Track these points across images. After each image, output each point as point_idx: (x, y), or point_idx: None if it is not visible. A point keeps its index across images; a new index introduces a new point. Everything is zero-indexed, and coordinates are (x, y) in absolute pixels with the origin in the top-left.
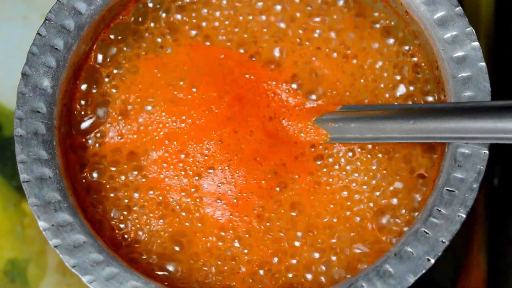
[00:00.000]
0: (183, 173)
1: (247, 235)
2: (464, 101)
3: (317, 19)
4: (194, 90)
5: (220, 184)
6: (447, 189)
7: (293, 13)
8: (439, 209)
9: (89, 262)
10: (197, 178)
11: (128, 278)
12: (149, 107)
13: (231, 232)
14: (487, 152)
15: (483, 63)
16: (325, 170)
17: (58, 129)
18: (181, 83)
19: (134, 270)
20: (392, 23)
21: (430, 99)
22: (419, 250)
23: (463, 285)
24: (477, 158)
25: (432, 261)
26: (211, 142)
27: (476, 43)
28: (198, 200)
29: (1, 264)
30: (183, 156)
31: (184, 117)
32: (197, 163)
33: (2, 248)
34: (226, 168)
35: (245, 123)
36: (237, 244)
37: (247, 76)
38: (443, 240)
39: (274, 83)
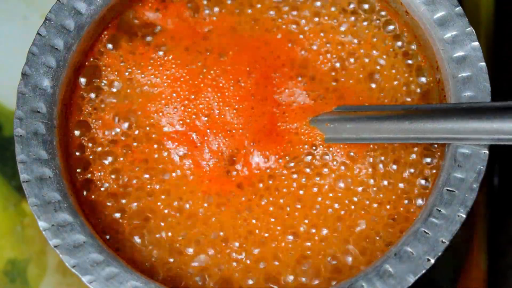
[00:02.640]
0: (181, 112)
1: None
2: (461, 102)
3: (344, 28)
4: (221, 57)
5: (199, 144)
6: (447, 189)
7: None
8: (439, 209)
9: (89, 262)
10: (189, 126)
11: (128, 278)
12: (161, 52)
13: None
14: (487, 152)
15: (483, 63)
16: (314, 168)
17: (58, 129)
18: (208, 53)
19: (135, 270)
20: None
21: (430, 99)
22: (419, 250)
23: (463, 285)
24: (477, 158)
25: (432, 261)
26: (226, 108)
27: (476, 43)
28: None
29: (1, 264)
30: (193, 96)
31: (205, 70)
32: (200, 112)
33: (2, 248)
34: (227, 132)
35: (263, 102)
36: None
37: (279, 57)
38: (443, 240)
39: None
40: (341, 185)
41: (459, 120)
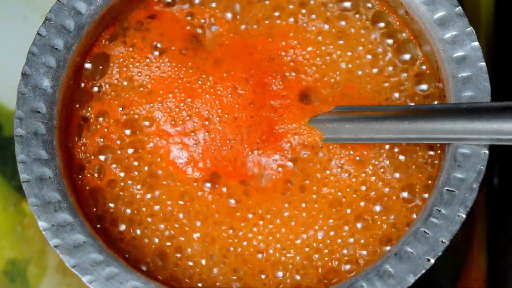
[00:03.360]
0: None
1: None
2: (461, 102)
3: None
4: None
5: (196, 146)
6: (447, 189)
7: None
8: (439, 209)
9: (89, 262)
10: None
11: (128, 278)
12: (157, 52)
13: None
14: (487, 152)
15: (483, 63)
16: (313, 168)
17: (58, 129)
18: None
19: (135, 271)
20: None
21: (430, 99)
22: (419, 250)
23: (463, 285)
24: (477, 158)
25: (432, 261)
26: (226, 116)
27: (476, 43)
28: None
29: (1, 264)
30: (189, 100)
31: (204, 76)
32: (196, 117)
33: (2, 248)
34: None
35: (261, 109)
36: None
37: (275, 63)
38: (443, 240)
39: (293, 74)
40: (340, 184)
41: (459, 120)
